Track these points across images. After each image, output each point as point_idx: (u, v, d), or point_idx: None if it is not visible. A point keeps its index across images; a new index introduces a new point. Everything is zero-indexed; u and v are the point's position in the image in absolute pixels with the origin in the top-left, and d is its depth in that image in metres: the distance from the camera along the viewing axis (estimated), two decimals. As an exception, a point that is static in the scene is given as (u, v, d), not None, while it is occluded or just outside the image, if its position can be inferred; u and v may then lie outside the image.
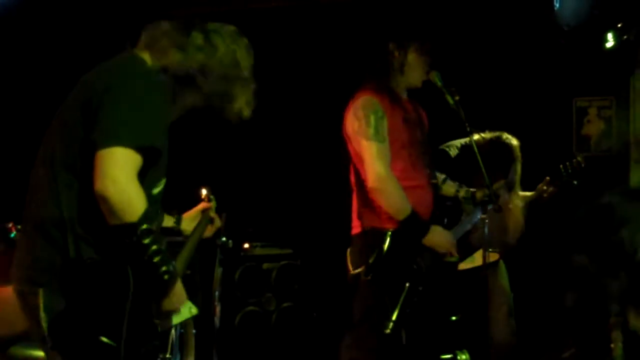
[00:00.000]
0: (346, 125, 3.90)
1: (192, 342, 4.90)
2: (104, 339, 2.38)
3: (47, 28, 6.12)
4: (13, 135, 6.10)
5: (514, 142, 4.80)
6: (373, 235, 3.79)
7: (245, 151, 6.29)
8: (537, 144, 4.92)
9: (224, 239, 4.77)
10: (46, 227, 2.51)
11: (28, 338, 3.92)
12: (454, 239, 3.96)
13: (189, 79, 2.68)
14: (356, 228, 3.93)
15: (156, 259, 2.42)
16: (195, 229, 3.22)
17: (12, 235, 3.93)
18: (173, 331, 3.29)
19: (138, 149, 2.43)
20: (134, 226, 2.38)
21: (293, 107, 6.27)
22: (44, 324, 2.47)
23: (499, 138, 4.77)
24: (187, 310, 2.77)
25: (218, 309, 4.91)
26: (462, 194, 4.22)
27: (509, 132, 4.84)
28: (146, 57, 2.68)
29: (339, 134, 3.96)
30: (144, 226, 2.39)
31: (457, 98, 3.87)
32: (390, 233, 3.71)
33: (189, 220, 3.30)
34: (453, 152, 4.78)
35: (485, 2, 5.87)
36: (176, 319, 2.73)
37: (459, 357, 2.90)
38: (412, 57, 3.90)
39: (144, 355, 2.51)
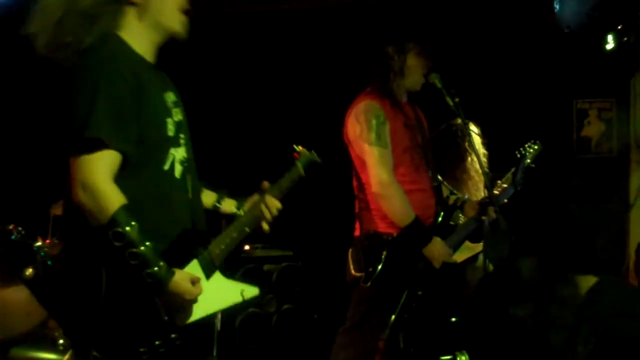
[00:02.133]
0: (347, 129, 3.90)
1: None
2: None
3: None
4: (14, 137, 6.10)
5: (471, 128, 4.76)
6: (373, 239, 3.80)
7: (247, 152, 6.30)
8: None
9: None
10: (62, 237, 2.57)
11: (29, 340, 3.94)
12: (451, 252, 3.98)
13: None
14: (358, 230, 3.95)
15: (134, 262, 2.32)
16: (246, 213, 2.82)
17: (13, 237, 3.93)
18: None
19: (96, 144, 2.34)
20: (105, 229, 2.31)
21: (294, 111, 6.27)
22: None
23: (451, 126, 4.71)
24: (235, 294, 2.63)
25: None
26: (451, 201, 4.22)
27: (510, 134, 4.84)
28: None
29: (340, 137, 3.96)
30: (116, 229, 2.30)
31: (457, 100, 3.87)
32: (385, 252, 3.72)
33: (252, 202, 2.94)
34: None
35: (486, 4, 5.88)
36: (213, 307, 2.57)
37: (458, 358, 2.89)
38: (412, 60, 3.91)
39: (153, 352, 2.40)
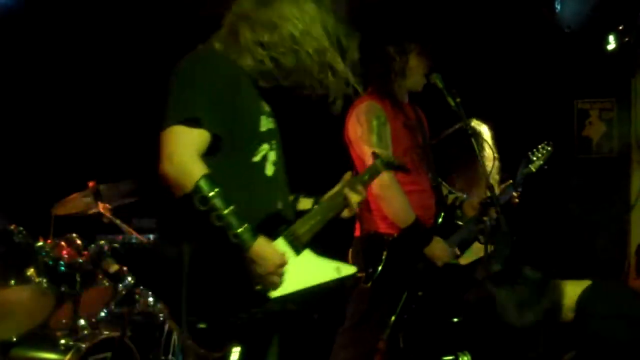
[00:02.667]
0: (348, 130, 3.91)
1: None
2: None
3: (52, 29, 6.14)
4: (14, 137, 6.11)
5: (482, 128, 4.77)
6: (373, 239, 3.80)
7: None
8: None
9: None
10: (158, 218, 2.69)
11: (30, 340, 3.94)
12: (453, 252, 3.98)
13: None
14: (358, 230, 3.95)
15: (220, 224, 2.42)
16: (328, 199, 2.93)
17: (15, 237, 3.94)
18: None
19: (188, 122, 2.49)
20: (190, 195, 2.41)
21: (295, 111, 6.27)
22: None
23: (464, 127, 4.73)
24: (330, 271, 2.73)
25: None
26: (449, 200, 4.22)
27: (511, 135, 4.84)
28: (218, 39, 2.76)
29: (341, 138, 3.96)
30: (201, 194, 2.40)
31: (458, 100, 3.87)
32: (386, 253, 3.72)
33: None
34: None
35: (487, 4, 5.87)
36: (307, 281, 2.66)
37: (460, 359, 2.89)
38: (413, 60, 3.91)
39: (247, 322, 2.49)
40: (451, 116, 3.99)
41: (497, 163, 4.63)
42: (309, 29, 2.73)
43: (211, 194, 2.42)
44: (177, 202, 2.45)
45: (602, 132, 6.17)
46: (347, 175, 2.95)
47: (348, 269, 2.76)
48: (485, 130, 4.71)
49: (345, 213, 2.91)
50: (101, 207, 4.65)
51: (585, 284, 2.99)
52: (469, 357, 2.87)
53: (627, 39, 5.47)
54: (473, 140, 3.79)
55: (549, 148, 4.55)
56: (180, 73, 2.61)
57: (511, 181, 4.50)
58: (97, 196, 4.62)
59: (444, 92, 3.88)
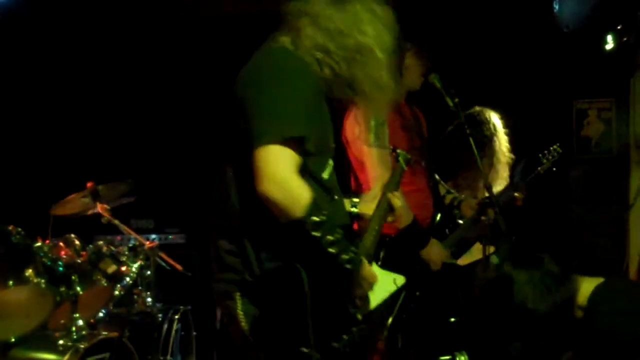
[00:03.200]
0: (346, 130, 3.91)
1: (192, 344, 4.92)
2: (304, 350, 2.36)
3: (50, 29, 6.14)
4: (13, 138, 6.11)
5: (492, 116, 4.77)
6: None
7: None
8: (538, 146, 4.91)
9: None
10: (229, 238, 2.49)
11: (28, 341, 3.94)
12: (449, 254, 3.98)
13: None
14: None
15: (332, 250, 2.37)
16: (376, 207, 2.91)
17: (13, 237, 3.93)
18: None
19: (288, 141, 2.35)
20: (302, 221, 2.33)
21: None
22: (244, 324, 2.45)
23: (474, 113, 4.74)
24: (390, 283, 2.74)
25: (218, 311, 4.92)
26: (447, 200, 4.23)
27: (510, 135, 4.84)
28: (286, 40, 2.59)
29: (339, 138, 3.96)
30: (313, 219, 2.33)
31: (456, 100, 3.87)
32: (383, 253, 3.73)
33: (368, 201, 3.01)
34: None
35: (485, 4, 5.87)
36: (379, 297, 2.66)
37: (457, 359, 2.90)
38: (409, 60, 3.91)
39: (347, 346, 2.46)
40: (450, 116, 4.01)
41: (508, 154, 4.65)
42: (376, 41, 2.61)
43: (323, 218, 2.35)
44: (281, 225, 2.36)
45: (601, 132, 6.16)
46: (385, 177, 2.97)
47: (401, 279, 2.79)
48: (495, 118, 4.72)
49: (389, 218, 2.89)
50: (99, 207, 4.64)
51: (598, 280, 3.01)
52: (466, 357, 2.87)
53: (625, 39, 5.46)
54: (471, 139, 3.80)
55: (559, 150, 4.56)
56: (271, 81, 2.44)
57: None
58: (96, 197, 4.61)
59: (442, 92, 3.88)
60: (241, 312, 2.44)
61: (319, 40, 2.54)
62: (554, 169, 4.55)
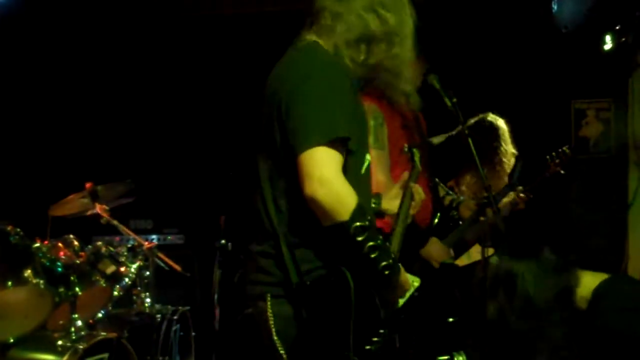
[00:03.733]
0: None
1: (191, 344, 4.92)
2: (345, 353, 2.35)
3: (48, 29, 6.14)
4: (11, 139, 6.10)
5: (500, 122, 4.78)
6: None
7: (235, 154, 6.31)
8: (537, 146, 4.91)
9: (223, 241, 4.79)
10: (262, 241, 2.48)
11: (27, 342, 3.94)
12: (450, 252, 3.98)
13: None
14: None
15: (374, 255, 2.37)
16: (399, 208, 2.95)
17: (11, 238, 3.93)
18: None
19: (334, 143, 2.34)
20: (347, 225, 2.32)
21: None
22: (272, 325, 2.44)
23: (482, 120, 4.76)
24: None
25: (217, 311, 4.92)
26: (446, 201, 4.23)
27: (510, 135, 4.84)
28: (315, 37, 2.57)
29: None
30: (357, 223, 2.32)
31: (455, 100, 3.86)
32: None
33: (391, 198, 3.03)
34: (436, 140, 4.75)
35: (484, 5, 5.88)
36: (401, 301, 2.69)
37: (455, 359, 2.90)
38: (409, 61, 3.90)
39: (376, 347, 2.45)
40: (449, 117, 4.00)
41: (512, 160, 4.64)
42: (402, 29, 2.59)
43: (367, 223, 2.35)
44: (322, 228, 2.35)
45: (599, 131, 6.17)
46: (405, 176, 2.99)
47: (416, 280, 2.89)
48: (502, 125, 4.73)
49: (411, 211, 2.97)
50: (98, 208, 4.64)
51: (603, 276, 3.03)
52: (464, 357, 2.88)
53: (624, 39, 5.46)
54: (470, 141, 3.79)
55: (569, 153, 4.55)
56: (314, 82, 2.41)
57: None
58: (94, 197, 4.61)
59: (441, 93, 3.87)
60: (271, 313, 2.43)
61: (347, 36, 2.52)
62: (562, 172, 4.54)
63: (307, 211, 2.36)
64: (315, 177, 2.30)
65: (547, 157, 4.53)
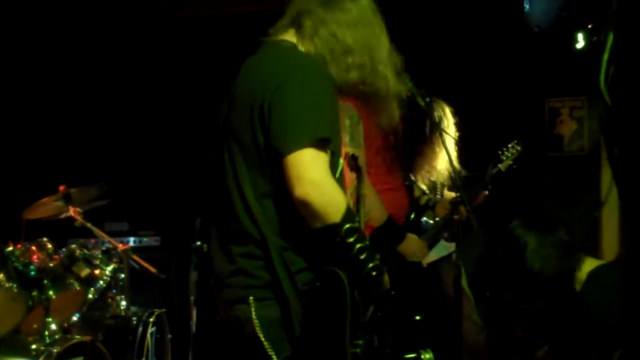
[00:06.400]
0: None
1: (168, 347, 4.90)
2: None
3: (22, 31, 6.09)
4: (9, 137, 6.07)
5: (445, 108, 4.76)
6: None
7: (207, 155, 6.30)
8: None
9: (198, 243, 4.77)
10: (244, 243, 2.44)
11: (1, 345, 3.90)
12: (427, 247, 3.99)
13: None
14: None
15: (363, 256, 2.37)
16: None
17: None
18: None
19: (320, 143, 2.34)
20: (338, 226, 2.32)
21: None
22: (258, 329, 2.41)
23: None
24: None
25: (194, 313, 4.90)
26: (422, 201, 4.24)
27: (483, 134, 4.86)
28: (295, 40, 2.54)
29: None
30: (348, 225, 2.33)
31: (427, 100, 3.88)
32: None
33: None
34: None
35: (456, 4, 5.90)
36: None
37: (422, 357, 2.90)
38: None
39: (363, 350, 2.46)
40: (421, 115, 4.02)
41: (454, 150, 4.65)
42: (381, 40, 2.60)
43: (356, 225, 2.36)
44: (310, 230, 2.35)
45: (573, 130, 6.21)
46: (354, 183, 2.97)
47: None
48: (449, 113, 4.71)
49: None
50: (72, 211, 4.61)
51: (599, 262, 3.11)
52: (431, 355, 2.88)
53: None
54: (443, 137, 3.81)
55: (519, 147, 4.57)
56: (298, 84, 2.40)
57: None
58: (68, 200, 4.58)
59: (413, 92, 3.88)
60: (255, 317, 2.40)
61: (330, 44, 2.51)
62: (514, 166, 4.55)
63: (294, 212, 2.35)
64: (307, 180, 2.29)
65: (499, 152, 4.56)
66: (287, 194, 2.32)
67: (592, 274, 3.11)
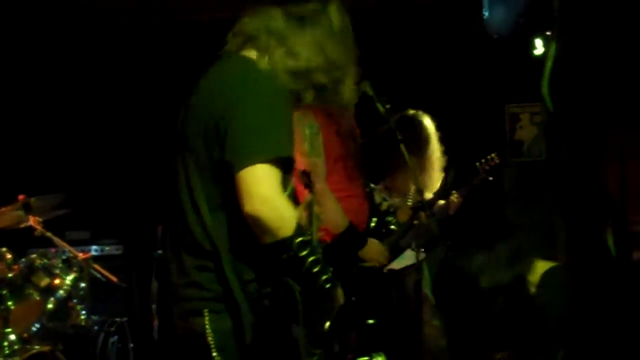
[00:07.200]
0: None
1: (130, 356, 4.87)
2: None
3: (41, 31, 6.05)
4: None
5: (422, 116, 4.80)
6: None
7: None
8: (473, 151, 5.00)
9: (160, 251, 4.75)
10: (196, 255, 2.42)
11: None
12: (387, 252, 4.02)
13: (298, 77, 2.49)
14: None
15: (315, 269, 2.36)
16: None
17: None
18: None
19: (276, 161, 2.32)
20: (290, 241, 2.31)
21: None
22: (211, 341, 2.38)
23: (402, 117, 4.75)
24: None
25: (156, 322, 4.89)
26: (384, 207, 4.27)
27: (445, 140, 4.89)
28: (253, 55, 2.50)
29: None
30: (300, 239, 2.32)
31: (388, 106, 3.91)
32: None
33: None
34: None
35: (416, 12, 5.95)
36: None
37: (374, 360, 2.93)
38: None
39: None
40: (381, 122, 4.04)
41: (442, 159, 4.69)
42: (342, 58, 2.54)
43: (308, 238, 2.35)
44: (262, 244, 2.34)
45: (533, 135, 6.29)
46: (308, 198, 2.94)
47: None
48: (426, 119, 4.76)
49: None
50: (32, 220, 4.56)
51: (551, 264, 3.16)
52: (384, 358, 2.91)
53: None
54: (402, 144, 3.85)
55: (497, 159, 4.62)
56: (257, 99, 2.37)
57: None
58: (28, 209, 4.53)
59: (374, 99, 3.91)
60: (210, 330, 2.38)
61: (289, 61, 2.47)
62: (490, 178, 4.61)
63: (246, 225, 2.34)
64: (256, 195, 2.28)
65: (477, 163, 4.61)
66: (240, 207, 2.32)
67: (544, 276, 3.17)
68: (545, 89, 2.08)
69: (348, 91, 2.60)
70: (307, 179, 2.87)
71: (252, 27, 2.53)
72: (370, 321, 3.83)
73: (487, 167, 4.59)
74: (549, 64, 2.08)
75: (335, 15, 2.56)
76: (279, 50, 2.47)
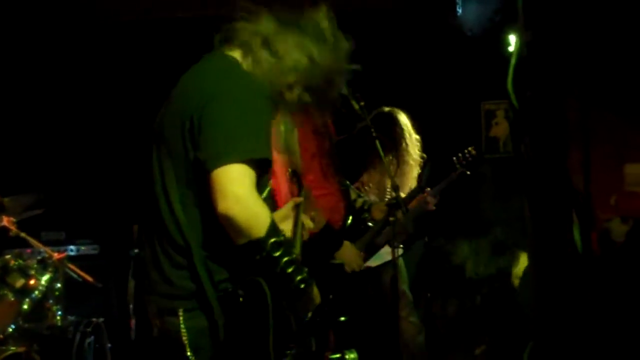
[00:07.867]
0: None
1: (107, 356, 4.85)
2: None
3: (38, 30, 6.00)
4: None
5: (398, 113, 4.82)
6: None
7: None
8: (448, 147, 5.02)
9: (136, 250, 4.74)
10: (170, 252, 2.42)
11: None
12: (362, 254, 4.04)
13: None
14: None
15: (290, 270, 2.37)
16: (293, 235, 2.83)
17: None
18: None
19: (251, 161, 2.32)
20: (263, 241, 2.31)
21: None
22: (185, 339, 2.38)
23: (379, 114, 4.77)
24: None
25: (133, 322, 4.87)
26: (358, 204, 4.28)
27: (420, 137, 4.91)
28: (237, 55, 2.50)
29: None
30: (273, 239, 2.32)
31: (362, 104, 3.92)
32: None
33: (281, 219, 2.82)
34: None
35: (392, 9, 5.96)
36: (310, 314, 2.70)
37: (347, 357, 2.93)
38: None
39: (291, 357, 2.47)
40: (355, 119, 4.05)
41: (418, 155, 4.70)
42: (328, 62, 2.54)
43: (282, 239, 2.35)
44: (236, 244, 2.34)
45: (509, 131, 6.32)
46: (295, 199, 2.89)
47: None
48: (402, 116, 4.76)
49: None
50: (5, 220, 4.52)
51: None
52: (356, 355, 2.91)
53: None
54: (377, 141, 3.86)
55: (474, 153, 4.63)
56: (236, 99, 2.37)
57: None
58: (1, 209, 4.50)
59: (348, 97, 3.92)
60: (184, 328, 2.39)
61: (273, 64, 2.47)
62: (468, 172, 4.63)
63: (219, 223, 2.34)
64: (229, 195, 2.27)
65: (454, 158, 4.62)
66: (213, 205, 2.32)
67: (526, 269, 3.20)
68: (510, 86, 2.10)
69: (333, 94, 2.62)
70: (297, 179, 2.88)
71: (238, 28, 2.53)
72: (342, 318, 3.84)
73: (464, 162, 4.60)
74: (512, 61, 2.10)
75: (323, 19, 2.58)
76: (264, 52, 2.48)
